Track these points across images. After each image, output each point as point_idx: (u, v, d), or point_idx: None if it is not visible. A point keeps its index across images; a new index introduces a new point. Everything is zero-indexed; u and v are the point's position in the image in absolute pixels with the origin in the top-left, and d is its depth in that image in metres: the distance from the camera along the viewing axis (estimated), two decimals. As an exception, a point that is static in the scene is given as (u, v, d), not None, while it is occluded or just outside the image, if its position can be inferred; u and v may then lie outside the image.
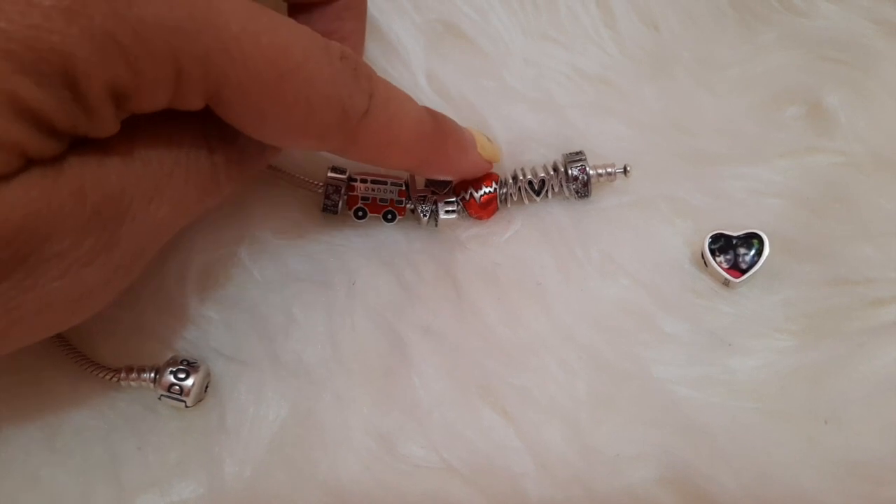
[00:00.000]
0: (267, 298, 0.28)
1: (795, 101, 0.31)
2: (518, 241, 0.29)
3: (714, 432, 0.26)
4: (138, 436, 0.26)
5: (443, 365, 0.27)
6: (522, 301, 0.28)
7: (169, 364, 0.26)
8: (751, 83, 0.31)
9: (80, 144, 0.18)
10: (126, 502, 0.25)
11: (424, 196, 0.29)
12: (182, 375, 0.26)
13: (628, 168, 0.29)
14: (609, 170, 0.29)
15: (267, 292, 0.28)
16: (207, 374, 0.27)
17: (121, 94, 0.18)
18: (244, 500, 0.26)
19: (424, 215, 0.29)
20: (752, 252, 0.28)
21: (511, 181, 0.29)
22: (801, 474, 0.25)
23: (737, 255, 0.28)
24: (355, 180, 0.29)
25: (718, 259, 0.28)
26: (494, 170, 0.29)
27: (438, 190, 0.29)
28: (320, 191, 0.29)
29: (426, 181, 0.29)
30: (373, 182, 0.29)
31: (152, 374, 0.26)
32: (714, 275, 0.28)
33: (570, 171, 0.29)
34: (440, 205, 0.29)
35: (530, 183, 0.29)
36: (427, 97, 0.31)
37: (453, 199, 0.29)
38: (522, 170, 0.29)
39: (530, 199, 0.29)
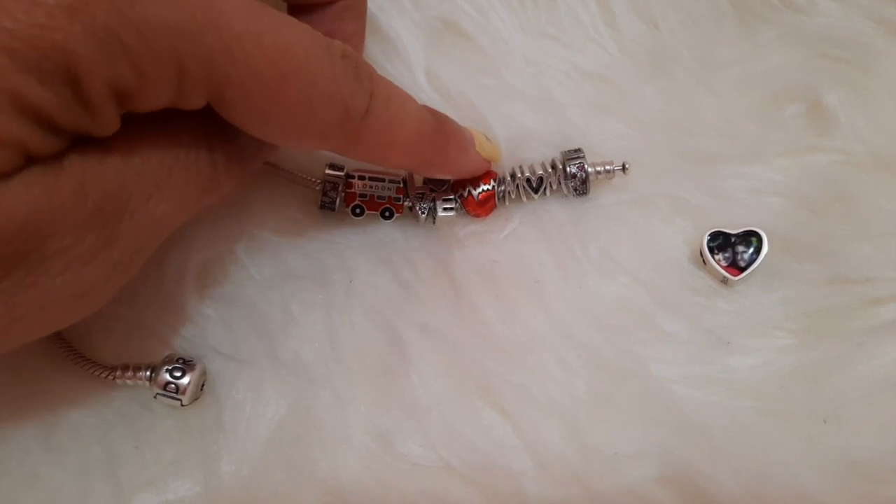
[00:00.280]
0: (265, 296, 0.28)
1: (795, 99, 0.31)
2: (516, 238, 0.29)
3: (713, 431, 0.26)
4: (135, 434, 0.26)
5: (441, 363, 0.27)
6: (521, 299, 0.28)
7: (165, 362, 0.26)
8: (750, 82, 0.31)
9: (81, 142, 0.18)
10: (123, 501, 0.25)
11: (422, 193, 0.29)
12: (178, 374, 0.26)
13: (627, 166, 0.29)
14: (608, 167, 0.29)
15: (265, 290, 0.28)
16: (204, 373, 0.27)
17: (123, 93, 0.18)
18: (241, 499, 0.25)
19: (422, 213, 0.29)
20: (751, 250, 0.28)
21: (509, 179, 0.29)
22: (801, 473, 0.25)
23: (735, 253, 0.28)
24: (353, 177, 0.29)
25: (717, 257, 0.28)
26: (493, 167, 0.29)
27: (436, 187, 0.29)
28: (318, 188, 0.29)
29: (424, 178, 0.29)
30: (370, 179, 0.29)
31: (148, 373, 0.26)
32: (713, 273, 0.28)
33: (568, 169, 0.29)
34: (438, 202, 0.29)
35: (528, 180, 0.29)
36: (426, 95, 0.31)
37: (451, 197, 0.29)
38: (521, 167, 0.29)
39: (528, 197, 0.29)
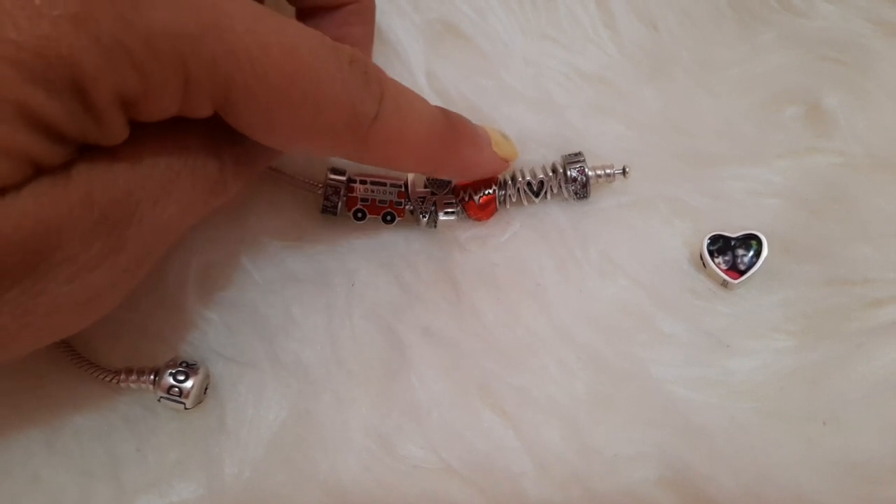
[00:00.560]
0: (266, 299, 0.28)
1: (794, 101, 0.31)
2: (517, 241, 0.29)
3: (713, 433, 0.26)
4: (138, 437, 0.26)
5: (442, 365, 0.27)
6: (521, 302, 0.28)
7: (168, 366, 0.26)
8: (750, 84, 0.31)
9: (88, 150, 0.18)
10: (126, 503, 0.26)
11: (423, 197, 0.29)
12: (181, 377, 0.26)
13: (627, 169, 0.29)
14: (608, 171, 0.29)
15: (266, 293, 0.28)
16: (207, 376, 0.27)
17: (129, 102, 0.17)
18: (244, 501, 0.26)
19: (423, 216, 0.29)
20: (751, 253, 0.28)
21: (510, 182, 0.29)
22: (800, 475, 0.25)
23: (735, 257, 0.28)
24: (354, 182, 0.29)
25: (717, 260, 0.28)
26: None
27: (438, 191, 0.29)
28: (320, 192, 0.29)
29: (426, 181, 0.29)
30: (372, 183, 0.29)
31: (152, 376, 0.26)
32: (713, 276, 0.28)
33: (568, 173, 0.29)
34: (439, 206, 0.29)
35: (529, 184, 0.29)
36: (426, 97, 0.30)
37: (452, 201, 0.29)
38: (521, 171, 0.29)
39: (529, 201, 0.29)
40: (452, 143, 0.25)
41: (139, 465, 0.26)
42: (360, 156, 0.23)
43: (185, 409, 0.26)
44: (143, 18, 0.17)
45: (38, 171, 0.17)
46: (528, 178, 0.29)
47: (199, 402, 0.27)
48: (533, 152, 0.30)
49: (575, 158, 0.29)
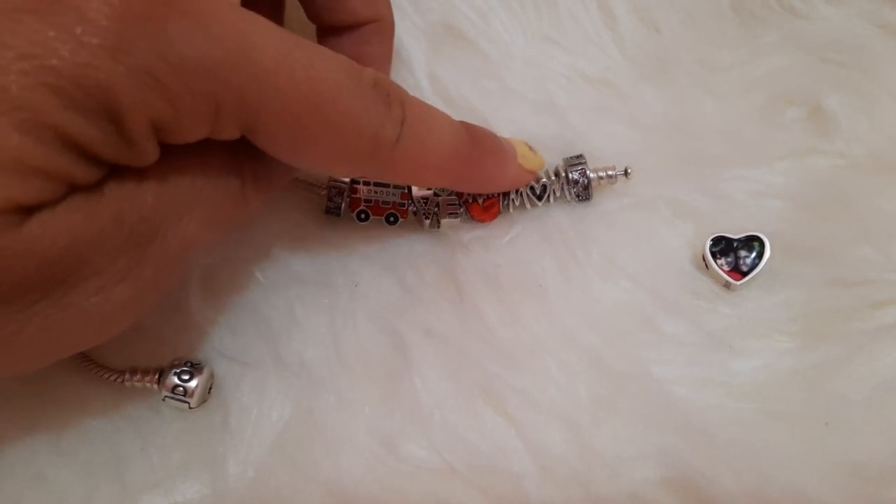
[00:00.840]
0: (270, 300, 0.28)
1: (796, 103, 0.31)
2: (519, 243, 0.29)
3: (715, 433, 0.26)
4: (142, 436, 0.26)
5: (444, 367, 0.27)
6: (524, 303, 0.28)
7: (173, 366, 0.26)
8: (751, 85, 0.32)
9: (118, 169, 0.19)
10: (130, 502, 0.26)
11: (427, 199, 0.29)
12: (186, 377, 0.26)
13: (629, 170, 0.29)
14: (610, 172, 0.29)
15: (270, 294, 0.28)
16: (211, 376, 0.27)
17: (162, 128, 0.18)
18: (247, 501, 0.26)
19: (427, 218, 0.29)
20: (753, 255, 0.28)
21: None
22: (802, 475, 0.25)
23: (738, 258, 0.28)
24: (358, 183, 0.29)
25: (719, 262, 0.28)
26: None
27: (441, 193, 0.29)
28: (323, 193, 0.29)
29: (427, 184, 0.29)
30: (375, 185, 0.29)
31: (156, 376, 0.26)
32: (715, 277, 0.28)
33: (570, 176, 0.29)
34: (442, 207, 0.29)
35: (532, 189, 0.29)
36: (428, 99, 0.31)
37: (456, 203, 0.29)
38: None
39: (532, 205, 0.29)
40: (477, 159, 0.26)
41: (143, 464, 0.26)
42: (381, 176, 0.24)
43: (190, 408, 0.26)
44: (176, 51, 0.17)
45: (72, 189, 0.18)
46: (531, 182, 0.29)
47: (203, 401, 0.27)
48: (535, 154, 0.30)
49: (576, 161, 0.29)
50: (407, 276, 0.29)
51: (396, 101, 0.22)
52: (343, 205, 0.29)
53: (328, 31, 0.28)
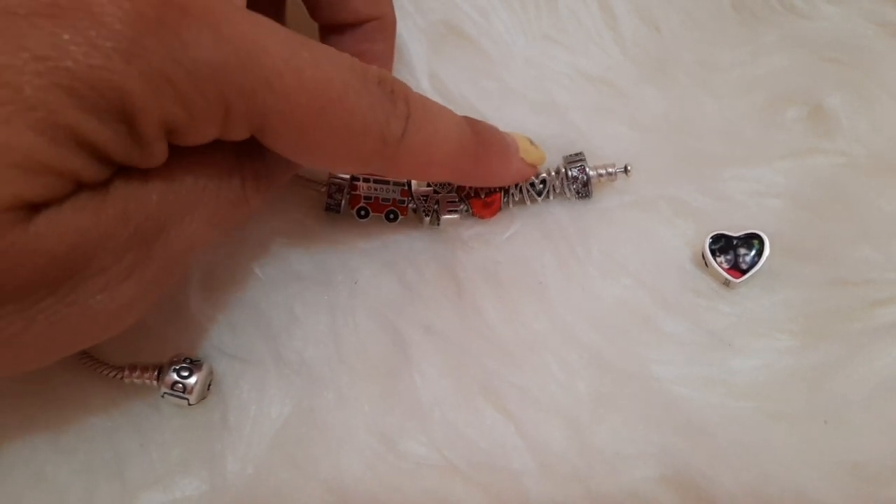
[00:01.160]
0: (269, 297, 0.28)
1: (796, 102, 0.31)
2: (519, 240, 0.29)
3: (714, 432, 0.26)
4: (141, 433, 0.26)
5: (444, 364, 0.27)
6: (523, 300, 0.28)
7: (172, 362, 0.26)
8: (752, 85, 0.32)
9: (124, 168, 0.19)
10: (129, 499, 0.26)
11: (427, 196, 0.29)
12: (185, 373, 0.26)
13: (629, 168, 0.29)
14: (610, 170, 0.29)
15: (269, 291, 0.28)
16: (210, 373, 0.27)
17: (173, 130, 0.18)
18: (246, 498, 0.26)
19: (427, 215, 0.29)
20: (753, 252, 0.28)
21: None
22: (802, 474, 0.25)
23: (737, 256, 0.28)
24: (358, 180, 0.29)
25: (719, 259, 0.28)
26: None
27: (441, 189, 0.29)
28: (323, 190, 0.29)
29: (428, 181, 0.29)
30: (375, 182, 0.29)
31: (156, 373, 0.26)
32: (714, 275, 0.28)
33: (570, 172, 0.29)
34: (442, 204, 0.29)
35: (531, 184, 0.29)
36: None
37: (455, 200, 0.29)
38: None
39: (532, 200, 0.29)
40: (481, 154, 0.26)
41: (143, 461, 0.26)
42: (386, 172, 0.24)
43: (189, 405, 0.26)
44: (189, 54, 0.18)
45: (80, 187, 0.18)
46: (531, 178, 0.29)
47: (202, 398, 0.27)
48: (535, 153, 0.31)
49: (576, 158, 0.29)
50: (407, 273, 0.29)
51: (401, 97, 0.22)
52: (343, 202, 0.29)
53: (331, 29, 0.28)
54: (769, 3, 0.33)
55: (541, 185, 0.29)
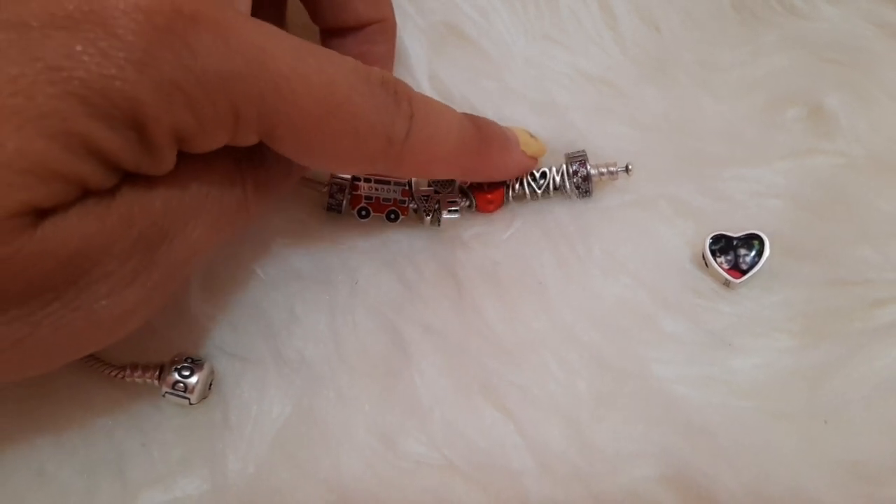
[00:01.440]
0: (270, 296, 0.28)
1: (796, 103, 0.31)
2: (519, 239, 0.29)
3: (714, 431, 0.26)
4: (143, 432, 0.27)
5: (444, 363, 0.27)
6: (523, 300, 0.28)
7: (173, 362, 0.26)
8: (752, 85, 0.32)
9: (130, 175, 0.19)
10: (130, 498, 0.26)
11: (427, 196, 0.29)
12: (186, 373, 0.26)
13: (630, 167, 0.29)
14: (611, 168, 0.29)
15: (270, 291, 0.28)
16: (211, 372, 0.27)
17: (184, 138, 0.19)
18: (247, 497, 0.26)
19: (427, 215, 0.29)
20: (753, 253, 0.28)
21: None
22: (801, 474, 0.25)
23: (737, 256, 0.28)
24: (359, 180, 0.29)
25: (719, 260, 0.28)
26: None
27: (441, 189, 0.29)
28: (325, 190, 0.29)
29: (429, 181, 0.29)
30: (376, 182, 0.29)
31: (157, 372, 0.26)
32: (715, 275, 0.28)
33: (570, 168, 0.29)
34: (443, 204, 0.29)
35: (532, 175, 0.29)
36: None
37: (456, 199, 0.29)
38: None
39: (533, 194, 0.29)
40: (483, 149, 0.26)
41: (144, 460, 0.26)
42: (393, 171, 0.25)
43: (190, 404, 0.26)
44: (199, 63, 0.18)
45: (86, 193, 0.18)
46: (532, 171, 0.29)
47: (203, 397, 0.27)
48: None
49: (577, 156, 0.30)
50: (407, 272, 0.29)
51: (404, 97, 0.23)
52: (344, 202, 0.29)
53: (332, 32, 0.29)
54: (769, 3, 0.33)
55: (541, 179, 0.29)
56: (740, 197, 0.30)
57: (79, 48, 0.17)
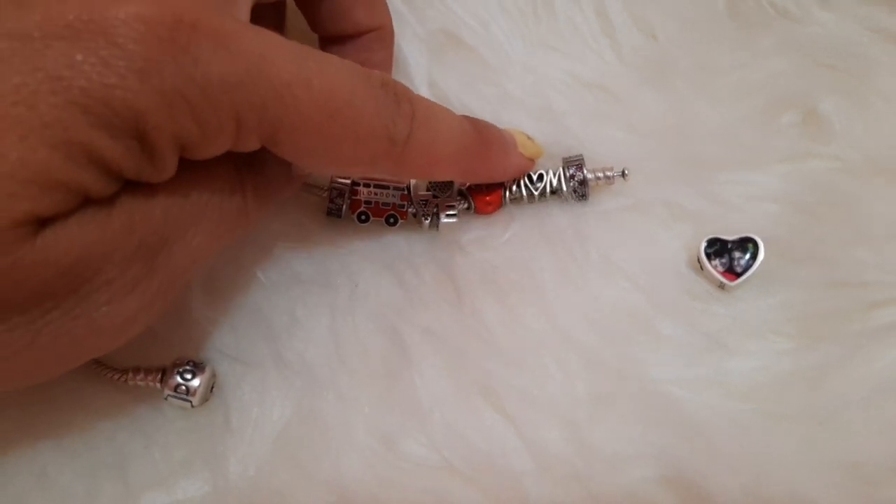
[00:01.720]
0: (271, 300, 0.28)
1: (792, 107, 0.32)
2: (517, 243, 0.29)
3: (712, 433, 0.26)
4: (144, 435, 0.27)
5: (443, 365, 0.27)
6: (522, 303, 0.28)
7: (175, 365, 0.27)
8: (748, 89, 0.32)
9: (130, 182, 0.19)
10: (132, 501, 0.26)
11: (426, 200, 0.29)
12: (188, 376, 0.26)
13: (626, 172, 0.29)
14: (608, 173, 0.30)
15: (271, 294, 0.29)
16: (213, 375, 0.27)
17: (185, 146, 0.19)
18: (248, 499, 0.26)
19: (426, 219, 0.29)
20: (747, 256, 0.28)
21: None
22: (799, 475, 0.26)
23: (732, 259, 0.28)
24: (359, 185, 0.29)
25: (714, 263, 0.28)
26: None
27: (440, 194, 0.29)
28: (325, 195, 0.29)
29: (428, 185, 0.30)
30: (376, 187, 0.29)
31: (159, 375, 0.26)
32: (710, 278, 0.29)
33: (567, 172, 0.29)
34: (441, 208, 0.29)
35: (529, 177, 0.30)
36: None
37: (454, 203, 0.29)
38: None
39: (530, 196, 0.30)
40: (483, 150, 0.27)
41: (146, 463, 0.26)
42: (395, 173, 0.25)
43: (192, 407, 0.26)
44: (202, 71, 0.18)
45: (87, 201, 0.18)
46: (529, 173, 0.30)
47: (205, 400, 0.27)
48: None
49: (574, 160, 0.30)
50: (406, 276, 0.29)
51: (405, 99, 0.23)
52: (344, 206, 0.29)
53: (330, 40, 0.29)
54: (764, 8, 0.33)
55: (538, 182, 0.30)
56: (737, 200, 0.30)
57: (79, 58, 0.17)
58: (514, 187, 0.30)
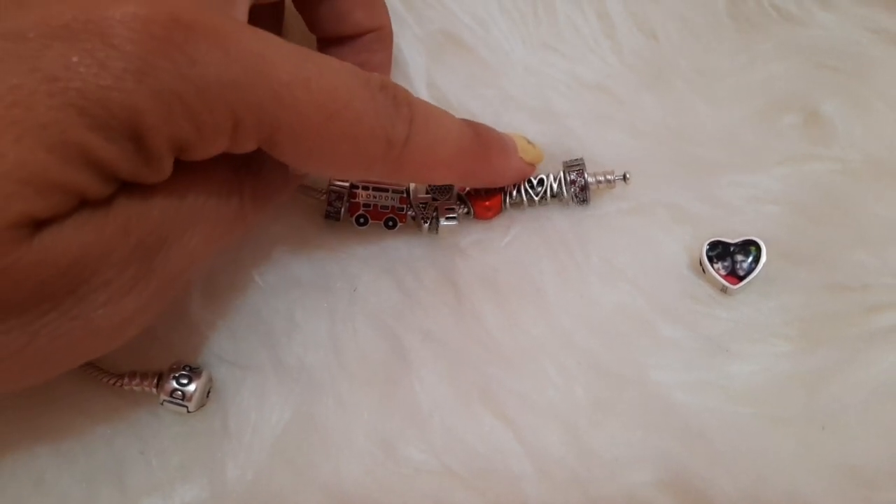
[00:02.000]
0: (269, 304, 0.28)
1: (792, 109, 0.32)
2: (518, 246, 0.29)
3: (712, 437, 0.26)
4: (142, 440, 0.27)
5: (443, 370, 0.27)
6: (522, 306, 0.28)
7: (171, 370, 0.26)
8: (748, 92, 0.32)
9: (127, 184, 0.19)
10: (129, 506, 0.26)
11: (425, 203, 0.29)
12: (184, 381, 0.26)
13: (627, 175, 0.29)
14: (608, 177, 0.29)
15: (269, 298, 0.28)
16: (209, 380, 0.27)
17: (182, 147, 0.19)
18: (246, 504, 0.26)
19: (425, 222, 0.29)
20: (750, 259, 0.28)
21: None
22: (798, 479, 0.26)
23: (734, 262, 0.28)
24: (357, 187, 0.29)
25: (716, 266, 0.28)
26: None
27: (439, 197, 0.29)
28: (323, 198, 0.29)
29: (427, 188, 0.29)
30: (374, 189, 0.29)
31: (155, 380, 0.26)
32: (712, 281, 0.29)
33: (568, 177, 0.29)
34: (441, 212, 0.29)
35: (530, 184, 0.29)
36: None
37: (454, 206, 0.29)
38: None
39: (530, 201, 0.30)
40: (482, 154, 0.26)
41: (143, 468, 0.26)
42: (393, 176, 0.25)
43: (188, 412, 0.26)
44: (198, 72, 0.18)
45: (83, 203, 0.18)
46: (530, 178, 0.30)
47: (201, 405, 0.27)
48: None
49: (575, 163, 0.30)
50: (405, 279, 0.29)
51: (403, 101, 0.23)
52: (342, 209, 0.29)
53: (329, 42, 0.29)
54: (765, 10, 0.33)
55: (539, 186, 0.29)
56: (738, 203, 0.30)
57: (76, 59, 0.17)
58: (515, 192, 0.29)
